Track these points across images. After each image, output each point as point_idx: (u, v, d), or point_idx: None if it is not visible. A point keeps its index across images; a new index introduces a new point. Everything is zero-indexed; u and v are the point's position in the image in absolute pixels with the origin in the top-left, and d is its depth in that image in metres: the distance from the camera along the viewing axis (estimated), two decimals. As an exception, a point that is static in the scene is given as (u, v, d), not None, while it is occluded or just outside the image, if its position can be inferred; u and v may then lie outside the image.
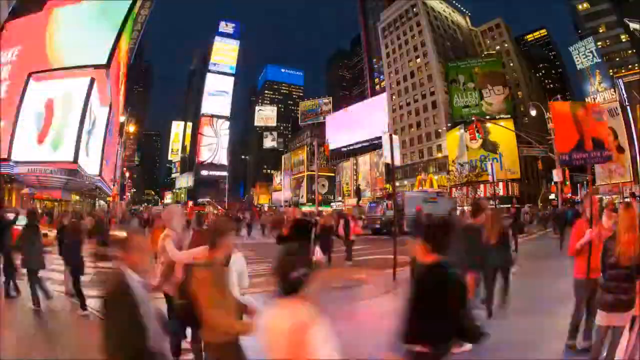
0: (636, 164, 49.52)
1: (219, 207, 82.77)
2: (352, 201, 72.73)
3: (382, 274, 10.77)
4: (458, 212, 27.83)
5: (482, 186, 59.57)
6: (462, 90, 70.46)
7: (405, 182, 73.20)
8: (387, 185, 67.78)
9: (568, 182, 42.99)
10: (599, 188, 50.56)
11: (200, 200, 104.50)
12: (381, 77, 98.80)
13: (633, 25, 56.32)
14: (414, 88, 79.66)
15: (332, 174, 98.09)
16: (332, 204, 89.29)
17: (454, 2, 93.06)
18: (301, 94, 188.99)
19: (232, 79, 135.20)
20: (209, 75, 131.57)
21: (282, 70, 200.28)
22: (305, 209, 79.42)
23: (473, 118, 54.01)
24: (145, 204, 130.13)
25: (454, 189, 62.28)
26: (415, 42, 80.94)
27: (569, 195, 43.91)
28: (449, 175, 65.41)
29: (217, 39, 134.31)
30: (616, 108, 51.84)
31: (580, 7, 67.75)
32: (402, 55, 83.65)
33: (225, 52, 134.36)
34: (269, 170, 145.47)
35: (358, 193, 68.59)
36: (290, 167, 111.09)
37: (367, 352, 4.39)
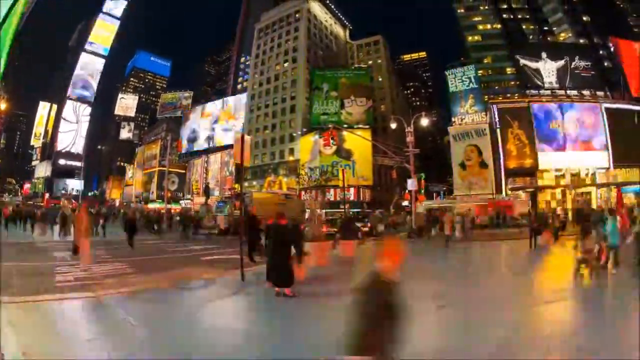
0: (499, 177, 54.78)
1: (74, 201, 78.01)
2: (201, 200, 70.12)
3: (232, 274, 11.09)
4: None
5: (332, 190, 61.78)
6: (324, 98, 71.51)
7: (255, 183, 72.69)
8: (236, 185, 65.87)
9: (423, 191, 46.40)
10: (457, 197, 54.27)
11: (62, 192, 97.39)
12: (245, 76, 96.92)
13: (523, 62, 62.19)
14: (276, 91, 79.40)
15: (184, 171, 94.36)
16: (181, 202, 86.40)
17: (339, 15, 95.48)
18: (165, 85, 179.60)
19: (103, 61, 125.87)
20: (83, 55, 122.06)
21: (152, 58, 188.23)
22: (152, 206, 75.55)
23: (330, 126, 54.99)
24: (7, 194, 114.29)
25: (303, 192, 63.18)
26: (287, 47, 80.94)
27: (424, 203, 46.44)
28: (298, 179, 66.03)
29: (100, 17, 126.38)
30: (484, 129, 57.58)
31: (470, 38, 76.80)
32: (272, 57, 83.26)
33: (103, 32, 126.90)
34: (122, 163, 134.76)
35: (207, 192, 67.10)
36: (143, 161, 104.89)
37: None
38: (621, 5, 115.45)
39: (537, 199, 50.83)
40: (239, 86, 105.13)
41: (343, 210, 36.77)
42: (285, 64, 79.80)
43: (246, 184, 65.92)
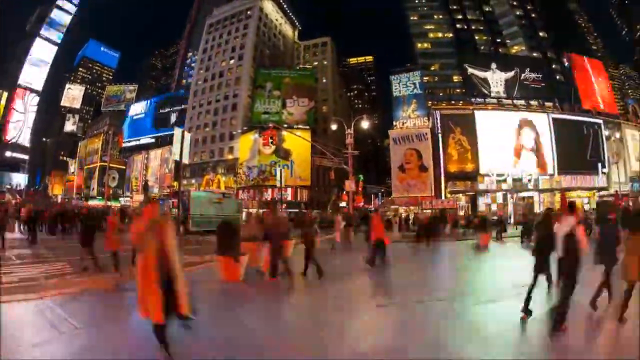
0: (439, 181, 54.94)
1: (18, 197, 76.71)
2: (140, 197, 70.25)
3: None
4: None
5: (269, 190, 61.62)
6: (267, 97, 70.49)
7: (193, 181, 70.14)
8: (175, 183, 63.70)
9: (361, 192, 47.02)
10: (395, 200, 57.18)
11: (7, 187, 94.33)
12: (191, 72, 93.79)
13: (471, 71, 62.45)
14: (219, 88, 76.73)
15: (124, 167, 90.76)
16: (121, 199, 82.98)
17: (290, 14, 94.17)
18: (111, 77, 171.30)
19: (55, 48, 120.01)
20: (37, 41, 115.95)
21: (102, 48, 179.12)
22: (93, 203, 71.94)
23: (270, 125, 54.68)
24: None
25: (240, 191, 62.93)
26: (235, 44, 78.69)
27: (362, 204, 48.75)
28: (236, 178, 65.37)
29: (59, 2, 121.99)
30: (425, 133, 58.17)
31: (420, 45, 77.08)
32: (219, 53, 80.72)
33: (59, 17, 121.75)
34: (65, 158, 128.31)
35: (146, 189, 67.00)
36: (85, 155, 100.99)
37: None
38: (582, 25, 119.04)
39: (477, 203, 53.18)
40: (184, 81, 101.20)
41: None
42: (231, 61, 77.34)
43: (185, 182, 63.58)
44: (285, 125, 61.88)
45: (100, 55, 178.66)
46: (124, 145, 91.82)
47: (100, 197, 76.87)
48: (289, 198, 59.61)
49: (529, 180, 54.90)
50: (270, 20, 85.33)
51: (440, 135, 55.48)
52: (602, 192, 54.83)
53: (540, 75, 65.88)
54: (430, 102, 64.05)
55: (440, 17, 79.07)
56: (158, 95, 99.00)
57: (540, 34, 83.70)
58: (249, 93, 72.15)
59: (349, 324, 6.57)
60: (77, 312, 6.85)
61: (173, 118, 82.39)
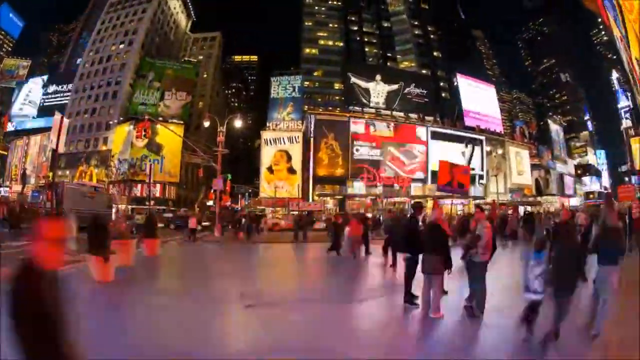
0: (308, 183, 55.62)
1: None
2: (19, 187, 63.70)
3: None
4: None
5: (139, 185, 59.59)
6: (147, 87, 67.91)
7: (67, 172, 65.86)
8: (50, 174, 59.79)
9: (228, 191, 46.51)
10: (262, 200, 56.68)
11: None
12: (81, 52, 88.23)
13: (354, 80, 63.96)
14: (104, 72, 72.69)
15: (7, 153, 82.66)
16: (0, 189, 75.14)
17: (189, 4, 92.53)
18: (10, 49, 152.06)
19: None
20: None
21: (10, 15, 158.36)
22: None
23: (146, 117, 51.35)
24: None
25: (111, 186, 59.33)
26: (128, 28, 75.48)
27: (229, 203, 48.47)
28: (107, 171, 62.44)
29: None
30: (297, 137, 59.31)
31: (308, 50, 79.11)
32: (111, 36, 76.61)
33: None
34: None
35: (24, 179, 63.96)
36: None
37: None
38: (483, 51, 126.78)
39: (345, 206, 53.07)
40: (74, 61, 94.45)
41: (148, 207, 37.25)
42: (121, 46, 73.90)
43: (60, 172, 59.91)
44: (161, 119, 60.36)
45: (6, 22, 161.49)
46: (8, 129, 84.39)
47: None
48: (158, 194, 58.13)
49: (401, 187, 56.45)
50: (169, 7, 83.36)
51: (312, 139, 56.08)
52: (478, 201, 57.93)
53: (425, 91, 68.84)
54: (307, 107, 64.76)
55: (336, 26, 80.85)
56: (49, 74, 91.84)
57: (435, 53, 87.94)
58: (131, 82, 69.15)
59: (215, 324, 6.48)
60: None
61: (57, 101, 77.03)
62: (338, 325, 6.43)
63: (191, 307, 7.43)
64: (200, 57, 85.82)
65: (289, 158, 58.04)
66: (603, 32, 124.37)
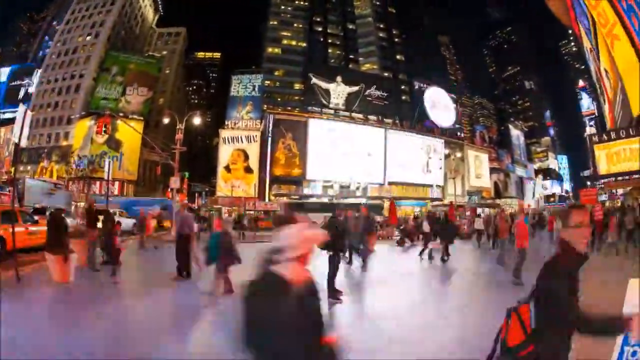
0: (264, 183, 56.23)
1: None
2: None
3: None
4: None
5: (98, 183, 58.95)
6: (110, 82, 67.24)
7: (29, 168, 64.99)
8: (12, 169, 59.39)
9: (185, 190, 45.94)
10: (218, 199, 57.03)
11: None
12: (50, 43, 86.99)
13: (315, 80, 64.99)
14: (69, 65, 71.94)
15: None
16: None
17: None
18: None
19: None
20: None
21: None
22: None
23: (106, 112, 53.15)
24: None
25: (71, 183, 59.00)
26: (96, 19, 74.85)
27: (185, 202, 45.52)
28: (67, 167, 62.10)
29: None
30: (255, 136, 59.86)
31: (270, 49, 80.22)
32: (79, 27, 75.83)
33: None
34: None
35: None
36: None
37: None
38: (447, 56, 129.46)
39: (303, 206, 52.30)
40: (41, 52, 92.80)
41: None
42: (88, 38, 73.28)
43: (21, 168, 59.85)
44: (121, 114, 60.61)
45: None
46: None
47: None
48: (116, 192, 57.30)
49: (357, 188, 57.96)
50: (137, 0, 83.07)
51: (270, 139, 56.78)
52: (436, 203, 60.49)
53: (386, 94, 70.65)
54: (266, 106, 65.63)
55: (301, 26, 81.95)
56: (17, 64, 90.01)
57: (398, 57, 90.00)
58: (95, 75, 68.65)
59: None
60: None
61: (22, 93, 76.25)
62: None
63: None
64: (164, 52, 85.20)
65: (247, 157, 58.60)
66: (573, 43, 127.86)
